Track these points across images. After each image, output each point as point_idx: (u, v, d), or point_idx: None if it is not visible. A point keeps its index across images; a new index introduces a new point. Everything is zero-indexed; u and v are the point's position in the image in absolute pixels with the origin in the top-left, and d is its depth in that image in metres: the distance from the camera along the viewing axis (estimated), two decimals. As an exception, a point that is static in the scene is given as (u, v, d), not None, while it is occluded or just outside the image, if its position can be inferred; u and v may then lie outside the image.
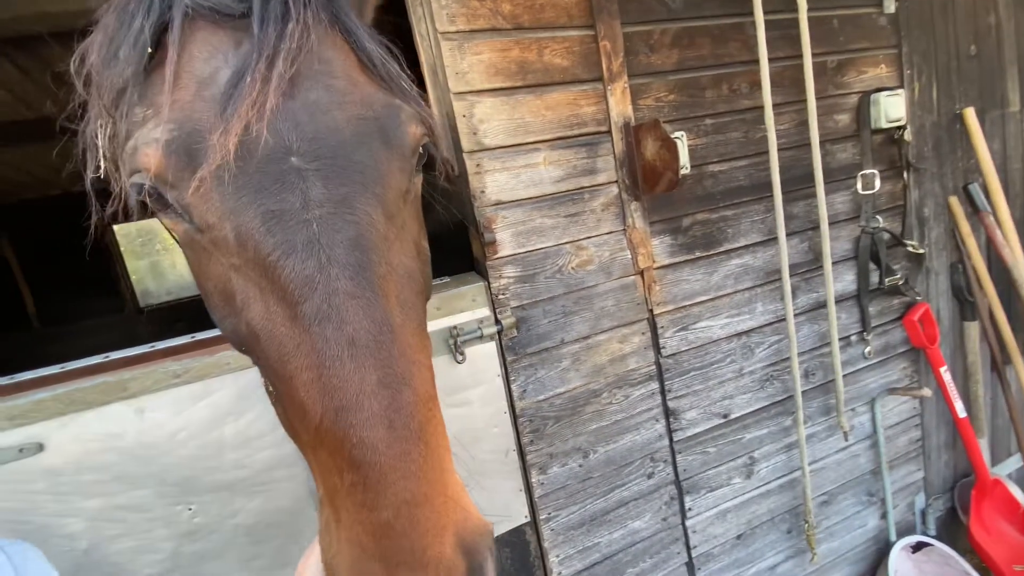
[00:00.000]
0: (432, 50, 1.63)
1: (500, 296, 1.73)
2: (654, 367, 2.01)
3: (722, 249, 2.09)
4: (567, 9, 1.73)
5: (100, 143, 0.79)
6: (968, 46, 2.53)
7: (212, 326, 0.84)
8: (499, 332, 1.70)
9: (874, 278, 2.38)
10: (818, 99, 2.05)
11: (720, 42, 2.00)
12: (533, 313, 1.79)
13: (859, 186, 2.28)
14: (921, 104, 2.43)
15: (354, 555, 0.59)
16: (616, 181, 1.88)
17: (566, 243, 1.82)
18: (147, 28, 0.69)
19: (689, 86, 1.96)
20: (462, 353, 1.63)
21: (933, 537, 2.62)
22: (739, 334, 2.16)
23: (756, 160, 2.10)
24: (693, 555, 2.17)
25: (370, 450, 0.58)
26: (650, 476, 2.05)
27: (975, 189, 2.54)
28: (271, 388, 0.75)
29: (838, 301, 2.30)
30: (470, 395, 1.70)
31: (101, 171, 0.81)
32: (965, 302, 2.65)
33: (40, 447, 1.27)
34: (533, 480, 1.84)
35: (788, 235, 2.10)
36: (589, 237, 1.86)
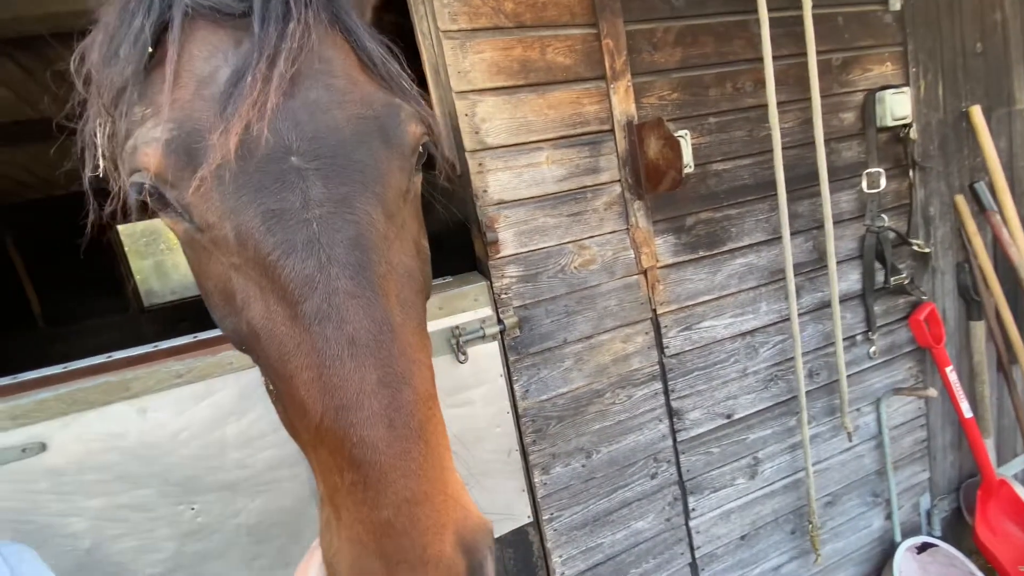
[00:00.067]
0: (434, 49, 1.63)
1: (502, 296, 1.73)
2: (657, 367, 2.00)
3: (726, 248, 2.08)
4: (569, 7, 1.73)
5: (99, 142, 0.80)
6: (974, 43, 2.51)
7: (215, 326, 0.84)
8: (501, 332, 1.70)
9: (879, 277, 2.37)
10: (823, 97, 2.03)
11: (724, 40, 1.99)
12: (536, 313, 1.79)
13: (864, 185, 2.27)
14: (927, 102, 2.42)
15: (354, 553, 0.59)
16: (619, 180, 1.87)
17: (569, 242, 1.82)
18: (147, 27, 0.69)
19: (692, 84, 1.95)
20: (464, 353, 1.63)
21: (938, 538, 2.61)
22: (743, 334, 2.15)
23: (760, 159, 2.09)
24: (697, 556, 2.16)
25: (370, 449, 0.59)
26: (653, 476, 2.04)
27: (981, 187, 2.52)
28: (272, 387, 0.75)
29: (843, 300, 2.29)
30: (472, 395, 1.69)
31: (100, 170, 0.81)
32: (971, 301, 2.63)
33: (43, 447, 1.28)
34: (536, 480, 1.84)
35: (792, 234, 2.09)
36: (592, 236, 1.85)
